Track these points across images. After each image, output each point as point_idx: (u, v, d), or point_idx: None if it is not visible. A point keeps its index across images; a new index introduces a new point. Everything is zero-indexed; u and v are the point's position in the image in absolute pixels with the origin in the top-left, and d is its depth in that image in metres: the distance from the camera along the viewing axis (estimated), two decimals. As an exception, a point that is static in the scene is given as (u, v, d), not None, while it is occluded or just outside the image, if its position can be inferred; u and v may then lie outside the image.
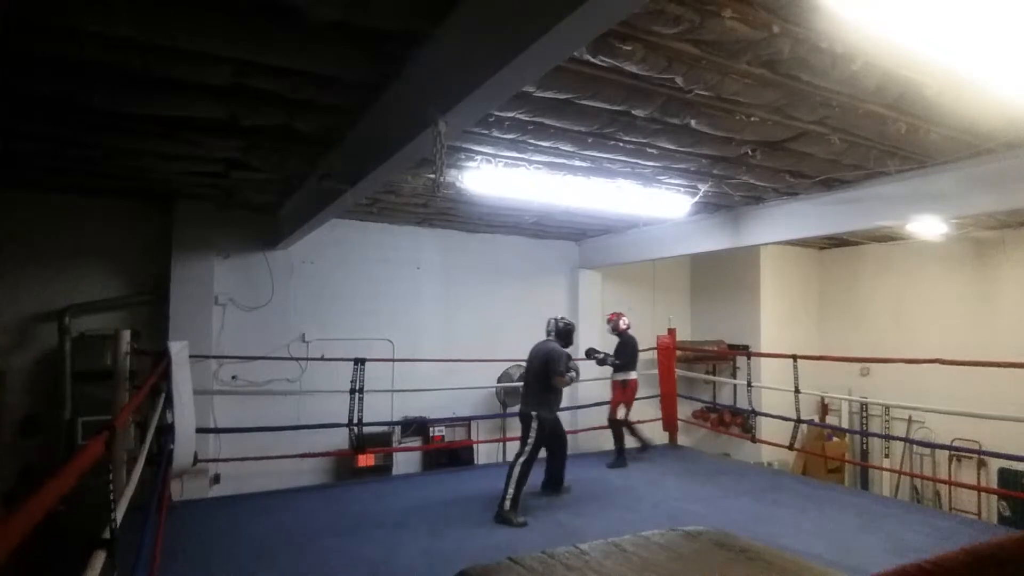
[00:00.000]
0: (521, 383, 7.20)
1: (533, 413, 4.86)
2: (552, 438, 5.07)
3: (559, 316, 5.35)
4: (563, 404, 7.72)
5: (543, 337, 5.23)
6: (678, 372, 7.54)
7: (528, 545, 3.22)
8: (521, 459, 4.77)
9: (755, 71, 3.01)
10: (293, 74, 2.95)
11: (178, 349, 4.50)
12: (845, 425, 8.09)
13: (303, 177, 4.71)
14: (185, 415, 4.40)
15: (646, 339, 8.06)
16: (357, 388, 5.76)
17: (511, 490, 4.65)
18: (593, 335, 8.16)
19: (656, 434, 7.47)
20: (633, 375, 6.43)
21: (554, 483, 5.30)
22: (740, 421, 7.88)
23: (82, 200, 5.61)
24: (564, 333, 5.18)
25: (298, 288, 6.59)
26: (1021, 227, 6.81)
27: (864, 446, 8.22)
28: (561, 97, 3.23)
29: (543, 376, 4.92)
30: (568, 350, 5.12)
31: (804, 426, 6.48)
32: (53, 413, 5.19)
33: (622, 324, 6.50)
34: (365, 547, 4.09)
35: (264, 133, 3.80)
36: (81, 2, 2.35)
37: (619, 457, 6.34)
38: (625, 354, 6.38)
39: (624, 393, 6.39)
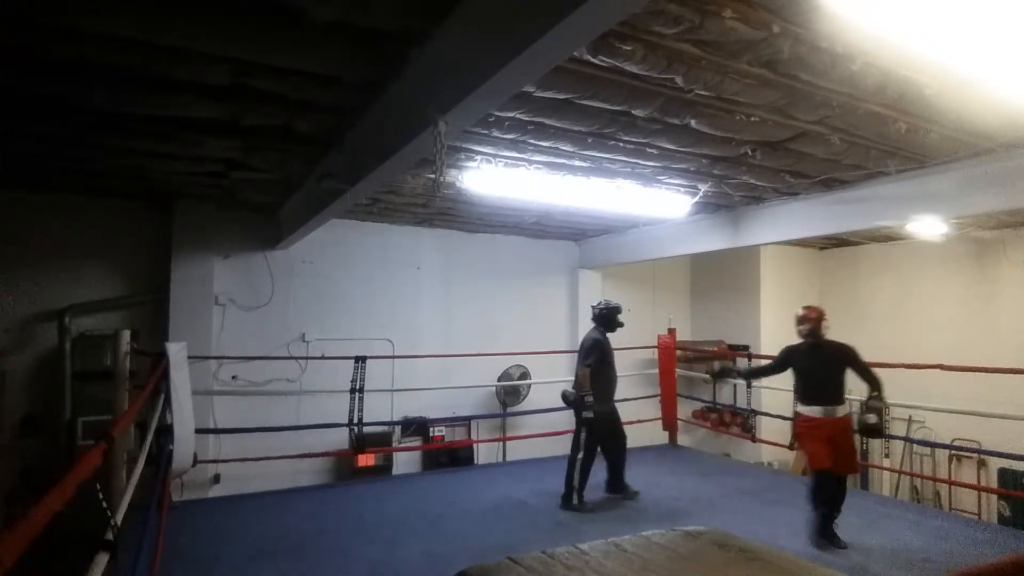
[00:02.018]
0: (521, 382, 7.26)
1: (587, 408, 4.78)
2: (608, 435, 5.04)
3: (599, 301, 5.26)
4: (562, 403, 7.76)
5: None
6: (678, 372, 7.54)
7: (528, 545, 3.22)
8: (580, 454, 4.81)
9: (755, 71, 3.01)
10: (293, 74, 2.94)
11: (176, 350, 4.50)
12: (845, 425, 8.09)
13: (303, 177, 4.71)
14: (184, 416, 4.40)
15: (646, 339, 8.07)
16: (357, 388, 5.76)
17: (574, 485, 4.79)
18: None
19: (656, 434, 7.47)
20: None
21: (614, 483, 5.17)
22: (740, 421, 7.88)
23: (82, 200, 5.61)
24: (602, 318, 5.10)
25: (298, 288, 6.59)
26: (1021, 227, 6.81)
27: (864, 446, 8.21)
28: (561, 97, 3.23)
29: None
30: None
31: (804, 426, 6.46)
32: (53, 413, 5.19)
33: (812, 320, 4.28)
34: (365, 547, 4.09)
35: (264, 133, 3.79)
36: (81, 2, 2.35)
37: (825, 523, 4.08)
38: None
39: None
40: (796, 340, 4.40)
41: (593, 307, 5.24)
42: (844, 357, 4.18)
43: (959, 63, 2.76)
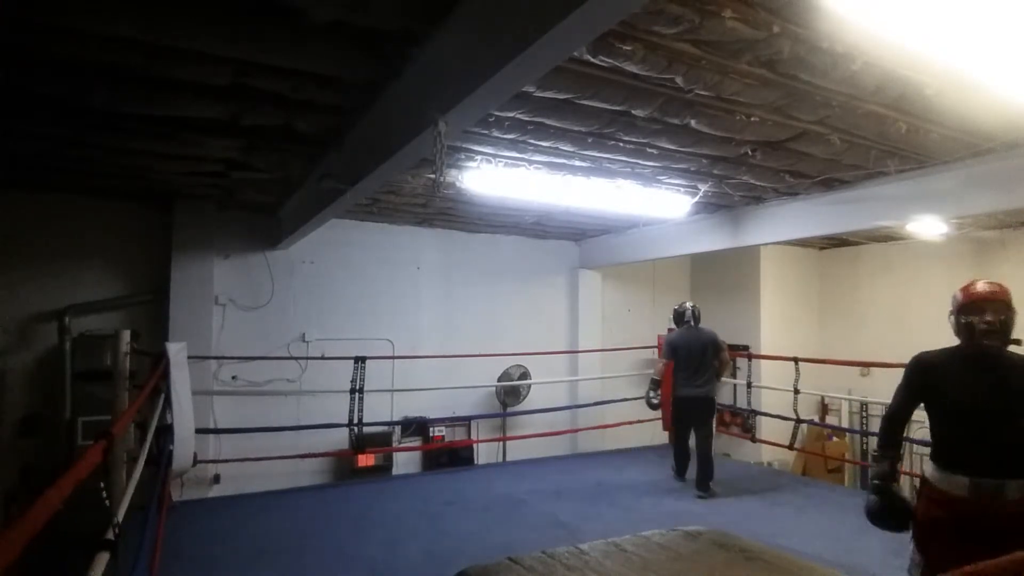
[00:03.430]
0: (521, 382, 7.25)
1: (714, 397, 5.55)
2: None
3: (690, 304, 5.77)
4: (562, 403, 7.79)
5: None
6: (678, 372, 7.52)
7: (528, 545, 3.21)
8: (711, 439, 5.48)
9: (755, 71, 3.01)
10: (293, 74, 2.94)
11: (176, 350, 4.50)
12: (845, 425, 8.09)
13: (303, 177, 4.71)
14: (184, 416, 4.40)
15: (646, 339, 8.08)
16: (357, 388, 5.76)
17: (713, 468, 5.39)
18: (592, 336, 8.18)
19: (656, 434, 7.47)
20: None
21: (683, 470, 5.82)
22: (740, 421, 7.88)
23: (82, 200, 5.60)
24: (700, 317, 5.67)
25: (298, 288, 6.59)
26: (1021, 227, 6.81)
27: (864, 446, 8.20)
28: (561, 97, 3.23)
29: (711, 360, 5.44)
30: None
31: (804, 426, 6.47)
32: (53, 413, 5.19)
33: None
34: (365, 547, 4.09)
35: (264, 133, 3.79)
36: (81, 2, 2.35)
37: None
38: None
39: None
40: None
41: (692, 308, 5.69)
42: None
43: (959, 63, 2.76)
